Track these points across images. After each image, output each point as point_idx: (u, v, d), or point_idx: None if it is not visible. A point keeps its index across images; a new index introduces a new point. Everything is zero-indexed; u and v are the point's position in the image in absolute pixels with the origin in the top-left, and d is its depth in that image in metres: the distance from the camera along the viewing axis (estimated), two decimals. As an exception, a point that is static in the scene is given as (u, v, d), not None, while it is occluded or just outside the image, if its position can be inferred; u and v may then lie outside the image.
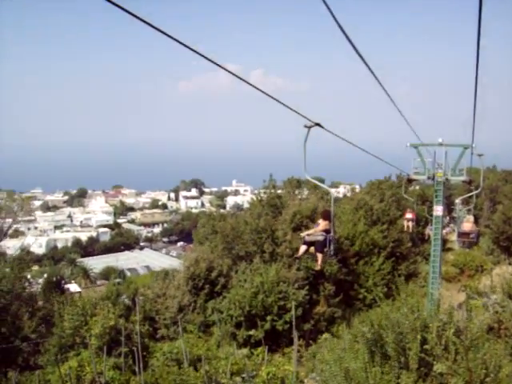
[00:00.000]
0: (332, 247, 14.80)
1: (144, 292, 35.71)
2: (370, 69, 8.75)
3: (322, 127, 8.40)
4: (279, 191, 40.00)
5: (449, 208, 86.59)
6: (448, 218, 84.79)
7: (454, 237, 65.56)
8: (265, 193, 38.72)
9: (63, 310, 29.97)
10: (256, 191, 45.57)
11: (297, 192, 42.59)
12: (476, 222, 41.06)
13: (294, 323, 26.18)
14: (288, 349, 29.21)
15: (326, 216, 15.11)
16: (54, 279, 78.35)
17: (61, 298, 33.40)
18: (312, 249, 15.63)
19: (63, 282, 78.96)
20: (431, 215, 32.53)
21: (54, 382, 24.86)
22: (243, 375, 24.79)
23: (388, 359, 12.73)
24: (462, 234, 39.15)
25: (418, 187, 62.11)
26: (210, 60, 6.09)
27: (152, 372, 24.59)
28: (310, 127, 8.89)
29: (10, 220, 69.17)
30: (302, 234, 16.33)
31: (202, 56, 5.90)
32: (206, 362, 25.96)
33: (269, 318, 29.72)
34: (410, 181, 32.79)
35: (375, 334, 13.26)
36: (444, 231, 65.70)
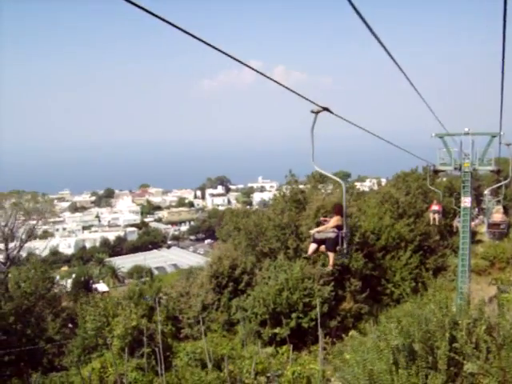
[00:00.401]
0: (345, 245, 13.42)
1: (167, 291, 35.34)
2: (393, 59, 8.40)
3: (331, 112, 7.74)
4: (302, 186, 39.22)
5: (477, 199, 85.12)
6: (477, 209, 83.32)
7: (483, 229, 64.25)
8: (287, 188, 38.04)
9: (85, 311, 29.72)
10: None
11: (320, 186, 41.67)
12: (506, 212, 39.85)
13: (319, 320, 25.60)
14: (314, 346, 28.58)
15: (338, 210, 13.65)
16: (82, 279, 79.14)
17: (83, 298, 33.15)
18: (323, 247, 14.19)
19: (91, 281, 79.60)
20: (459, 207, 31.55)
21: (78, 384, 24.57)
22: (268, 374, 24.29)
23: (415, 359, 12.12)
24: (491, 225, 37.93)
25: (445, 179, 60.84)
26: (234, 58, 6.07)
27: (175, 373, 24.15)
28: (317, 112, 8.18)
29: (34, 222, 69.06)
30: (312, 231, 14.62)
31: (226, 54, 5.90)
32: (229, 362, 25.55)
33: (294, 315, 29.12)
34: (436, 172, 31.86)
35: (401, 333, 12.61)
36: (473, 223, 64.55)
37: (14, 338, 30.47)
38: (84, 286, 71.07)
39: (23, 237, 65.18)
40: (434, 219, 37.69)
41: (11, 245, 62.48)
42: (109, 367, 24.94)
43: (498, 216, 38.03)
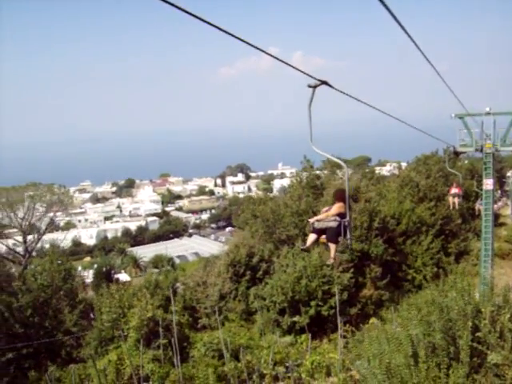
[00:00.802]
0: (348, 235, 11.99)
1: (184, 281, 34.87)
2: (412, 40, 7.92)
3: (329, 85, 7.04)
4: (318, 172, 38.38)
5: (500, 181, 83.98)
6: (499, 191, 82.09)
7: (506, 211, 63.33)
8: (303, 175, 37.28)
9: (101, 303, 29.44)
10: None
11: (338, 172, 40.70)
12: (530, 194, 38.86)
13: (337, 308, 25.04)
14: (334, 335, 27.97)
15: (340, 196, 12.15)
16: (104, 270, 79.35)
17: (103, 289, 32.82)
18: (323, 238, 12.54)
19: (113, 272, 79.75)
20: (481, 190, 30.76)
21: (94, 376, 24.27)
22: (287, 364, 23.81)
23: (435, 350, 11.54)
24: None
25: (466, 161, 59.74)
26: (252, 45, 5.93)
27: (193, 363, 23.76)
28: (314, 87, 7.34)
29: (52, 214, 69.19)
30: (311, 220, 12.90)
31: (245, 42, 5.77)
32: (247, 352, 25.12)
33: (313, 303, 28.51)
34: (456, 154, 30.93)
35: (421, 323, 12.05)
36: (495, 206, 63.68)
37: (32, 330, 30.25)
38: (106, 277, 70.92)
39: (42, 229, 65.23)
40: (454, 203, 36.15)
41: (29, 237, 62.48)
42: (125, 359, 24.64)
43: None
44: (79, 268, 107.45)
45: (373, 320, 28.76)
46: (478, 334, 10.66)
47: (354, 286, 30.69)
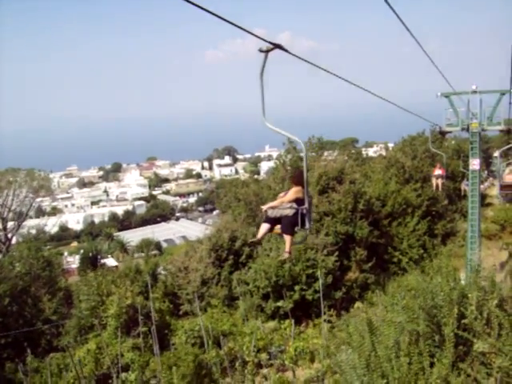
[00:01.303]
0: (307, 225, 10.31)
1: (166, 266, 34.09)
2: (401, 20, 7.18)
3: (284, 49, 6.28)
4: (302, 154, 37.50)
5: (486, 162, 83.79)
6: (486, 172, 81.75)
7: (493, 191, 62.97)
8: (286, 156, 36.40)
9: (79, 291, 28.75)
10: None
11: (322, 153, 39.82)
12: (517, 174, 38.18)
13: (321, 293, 24.53)
14: (319, 319, 27.50)
15: (298, 180, 10.61)
16: (90, 255, 78.83)
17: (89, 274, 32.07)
18: (278, 228, 10.89)
19: (99, 257, 79.25)
20: (467, 170, 30.18)
21: (72, 367, 23.66)
22: (270, 351, 23.32)
23: (420, 338, 11.02)
24: (504, 187, 36.18)
25: (453, 142, 59.22)
26: (236, 26, 5.86)
27: (174, 351, 23.16)
28: (267, 51, 6.52)
29: (33, 199, 68.33)
30: (264, 207, 11.12)
31: (229, 22, 5.70)
32: (230, 339, 24.62)
33: (297, 287, 28.04)
34: (442, 134, 30.27)
35: (405, 310, 11.52)
36: (482, 186, 63.25)
37: (11, 319, 29.57)
38: (92, 262, 70.31)
39: (24, 214, 64.36)
40: (438, 184, 35.25)
41: (10, 224, 61.57)
42: (105, 348, 24.04)
43: (510, 177, 36.45)
44: (65, 253, 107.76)
45: (358, 304, 28.36)
46: (463, 321, 10.24)
47: (339, 269, 30.14)
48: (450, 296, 10.68)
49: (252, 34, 6.08)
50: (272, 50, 6.32)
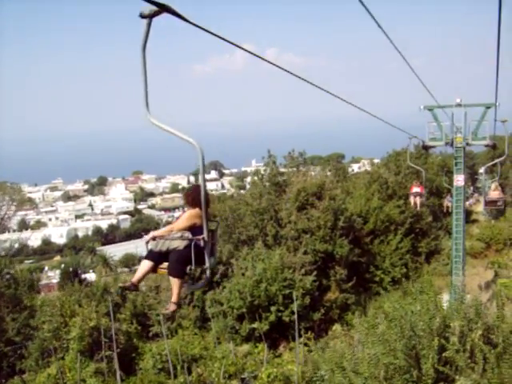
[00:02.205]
0: (208, 262, 7.32)
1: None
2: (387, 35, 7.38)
3: (171, 12, 4.81)
4: (283, 169, 35.98)
5: (472, 178, 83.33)
6: (472, 188, 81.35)
7: (478, 208, 62.39)
8: (265, 170, 34.98)
9: (42, 311, 27.29)
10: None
11: (302, 168, 38.27)
12: (502, 190, 37.37)
13: (296, 316, 23.27)
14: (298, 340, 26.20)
15: (194, 199, 7.88)
16: (71, 269, 77.23)
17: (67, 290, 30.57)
18: (163, 267, 8.08)
19: (80, 271, 77.73)
20: (451, 186, 29.12)
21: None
22: (242, 376, 21.99)
23: (395, 373, 10.07)
24: (488, 203, 35.23)
25: (439, 157, 58.41)
26: (226, 40, 5.87)
27: (138, 378, 21.79)
28: (149, 16, 4.82)
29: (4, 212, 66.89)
30: (147, 237, 8.19)
31: (219, 37, 5.72)
32: (200, 363, 23.37)
33: (273, 308, 26.68)
34: (425, 148, 29.18)
35: (381, 341, 10.59)
36: (467, 202, 62.55)
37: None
38: (73, 277, 68.56)
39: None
40: (416, 203, 33.20)
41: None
42: (67, 372, 22.68)
43: (495, 193, 35.57)
44: (46, 268, 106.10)
45: (336, 327, 27.12)
46: (445, 353, 9.46)
47: (318, 289, 28.83)
48: (430, 326, 9.93)
49: (241, 48, 6.04)
50: (157, 14, 4.82)
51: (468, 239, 41.92)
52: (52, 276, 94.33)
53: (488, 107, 26.39)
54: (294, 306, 25.92)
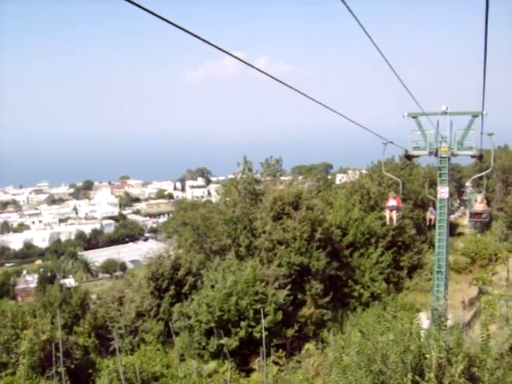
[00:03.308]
0: None
1: (100, 295, 30.49)
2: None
3: None
4: (259, 176, 34.17)
5: (459, 191, 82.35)
6: (458, 201, 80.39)
7: (464, 221, 61.43)
8: (241, 178, 33.19)
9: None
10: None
11: (280, 176, 36.44)
12: (488, 204, 36.09)
13: (263, 334, 21.68)
14: (268, 360, 24.55)
15: None
16: (49, 274, 75.46)
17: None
18: None
19: (58, 277, 76.07)
20: (435, 196, 27.60)
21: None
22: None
23: None
24: (473, 215, 33.86)
25: (422, 170, 57.18)
26: (217, 47, 6.12)
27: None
28: None
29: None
30: None
31: (210, 44, 5.94)
32: (161, 382, 21.67)
33: (243, 323, 24.99)
34: (408, 157, 27.48)
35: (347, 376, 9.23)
36: (452, 216, 61.40)
37: None
38: (50, 282, 66.82)
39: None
40: (392, 218, 28.70)
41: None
42: (17, 389, 20.94)
43: (480, 206, 34.28)
44: (24, 272, 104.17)
45: (309, 346, 25.49)
46: None
47: (292, 304, 27.20)
48: (403, 359, 8.81)
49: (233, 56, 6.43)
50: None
51: (452, 253, 40.63)
52: (30, 281, 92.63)
53: (475, 116, 24.94)
54: (266, 322, 24.45)
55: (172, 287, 27.88)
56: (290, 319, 26.84)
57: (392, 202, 28.44)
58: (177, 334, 26.11)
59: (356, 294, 32.22)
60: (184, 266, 28.70)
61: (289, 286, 26.63)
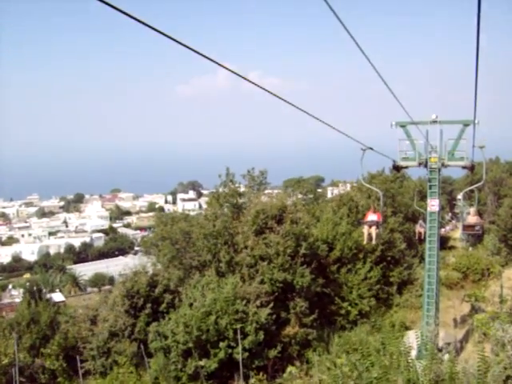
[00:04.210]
0: None
1: (73, 313, 28.85)
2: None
3: None
4: (243, 189, 32.58)
5: (450, 204, 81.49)
6: (450, 214, 79.48)
7: (456, 234, 60.48)
8: (223, 190, 31.66)
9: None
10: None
11: (264, 189, 34.72)
12: (480, 217, 34.93)
13: (241, 357, 20.26)
14: (249, 380, 23.19)
15: None
16: (35, 288, 73.71)
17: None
18: None
19: (44, 291, 74.36)
20: (424, 209, 26.34)
21: None
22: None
23: None
24: (466, 227, 32.69)
25: (413, 182, 56.12)
26: (210, 59, 6.25)
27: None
28: None
29: None
30: None
31: (203, 56, 6.06)
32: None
33: (223, 344, 23.50)
34: (396, 169, 26.18)
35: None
36: (444, 229, 60.35)
37: None
38: (37, 296, 64.93)
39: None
40: (371, 234, 25.26)
41: None
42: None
43: (473, 218, 33.16)
44: (10, 286, 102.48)
45: (291, 368, 24.05)
46: None
47: (275, 322, 25.71)
48: None
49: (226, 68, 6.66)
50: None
51: (444, 268, 39.39)
52: (16, 295, 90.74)
53: (466, 125, 23.76)
54: (247, 342, 23.12)
55: (148, 305, 26.33)
56: (272, 339, 25.38)
57: (372, 217, 25.27)
58: (150, 355, 24.66)
59: (343, 311, 30.70)
60: (162, 282, 27.22)
61: (271, 304, 25.11)
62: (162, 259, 30.36)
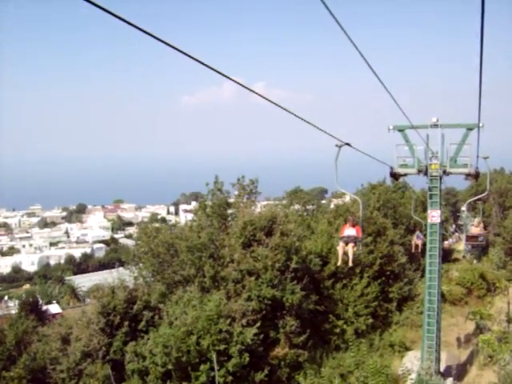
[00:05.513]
0: None
1: (45, 332, 26.69)
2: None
3: None
4: (232, 200, 30.53)
5: (454, 215, 79.47)
6: (453, 226, 77.45)
7: (460, 246, 58.59)
8: (211, 200, 29.69)
9: None
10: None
11: (254, 198, 32.57)
12: (485, 228, 33.18)
13: (222, 381, 18.28)
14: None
15: None
16: (31, 300, 71.94)
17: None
18: None
19: (40, 303, 72.61)
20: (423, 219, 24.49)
21: None
22: None
23: None
24: (470, 238, 30.89)
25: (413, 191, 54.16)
26: (217, 71, 6.12)
27: None
28: None
29: None
30: None
31: (210, 68, 5.97)
32: None
33: (204, 367, 21.36)
34: (394, 176, 24.18)
35: None
36: (446, 242, 58.37)
37: None
38: (33, 308, 63.17)
39: None
40: (346, 254, 20.70)
41: None
42: None
43: (476, 229, 31.36)
44: (5, 297, 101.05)
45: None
46: None
47: (263, 343, 23.67)
48: None
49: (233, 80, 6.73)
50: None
51: (446, 283, 37.42)
52: (11, 307, 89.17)
53: (470, 129, 21.88)
54: (231, 365, 21.12)
55: (126, 323, 24.31)
56: (259, 361, 23.29)
57: (349, 232, 20.92)
58: (122, 379, 22.64)
59: (338, 330, 28.55)
60: (141, 298, 25.21)
61: (259, 323, 22.99)
62: (144, 273, 28.38)
